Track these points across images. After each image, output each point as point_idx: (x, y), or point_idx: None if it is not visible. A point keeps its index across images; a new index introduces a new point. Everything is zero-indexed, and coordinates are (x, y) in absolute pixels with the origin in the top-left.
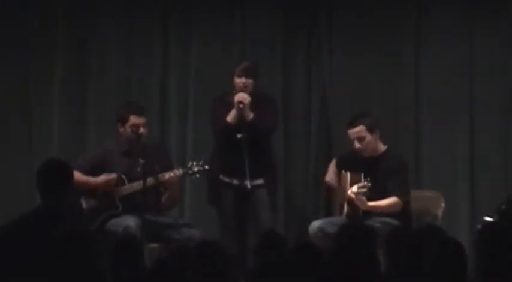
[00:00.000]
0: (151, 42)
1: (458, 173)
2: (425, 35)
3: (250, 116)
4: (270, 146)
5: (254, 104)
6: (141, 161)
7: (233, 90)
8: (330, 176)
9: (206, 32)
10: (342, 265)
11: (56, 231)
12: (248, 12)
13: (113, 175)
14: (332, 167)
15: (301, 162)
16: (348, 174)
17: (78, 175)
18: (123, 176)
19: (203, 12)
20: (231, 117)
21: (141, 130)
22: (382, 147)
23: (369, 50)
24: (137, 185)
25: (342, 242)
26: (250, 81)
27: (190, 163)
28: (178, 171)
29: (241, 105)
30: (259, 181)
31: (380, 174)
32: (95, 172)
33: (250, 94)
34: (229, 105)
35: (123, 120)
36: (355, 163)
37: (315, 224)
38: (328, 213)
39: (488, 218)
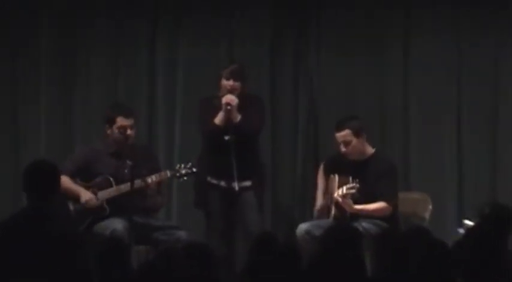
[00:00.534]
0: (139, 43)
1: (446, 174)
2: (414, 35)
3: (238, 117)
4: (257, 147)
5: (241, 106)
6: (128, 162)
7: (219, 92)
8: (319, 202)
9: (194, 34)
10: (328, 267)
11: (44, 232)
12: (236, 12)
13: (93, 198)
14: (321, 177)
15: (288, 162)
16: (337, 176)
17: (64, 180)
18: (111, 178)
19: (191, 14)
20: (218, 119)
21: (129, 132)
22: (370, 150)
23: (357, 51)
24: (124, 187)
25: (328, 244)
26: (238, 84)
27: (178, 165)
28: (166, 174)
29: (228, 107)
30: (247, 183)
31: (368, 177)
32: (82, 173)
33: (238, 96)
34: (217, 108)
35: (111, 122)
36: (343, 166)
37: (302, 227)
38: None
39: (468, 222)
